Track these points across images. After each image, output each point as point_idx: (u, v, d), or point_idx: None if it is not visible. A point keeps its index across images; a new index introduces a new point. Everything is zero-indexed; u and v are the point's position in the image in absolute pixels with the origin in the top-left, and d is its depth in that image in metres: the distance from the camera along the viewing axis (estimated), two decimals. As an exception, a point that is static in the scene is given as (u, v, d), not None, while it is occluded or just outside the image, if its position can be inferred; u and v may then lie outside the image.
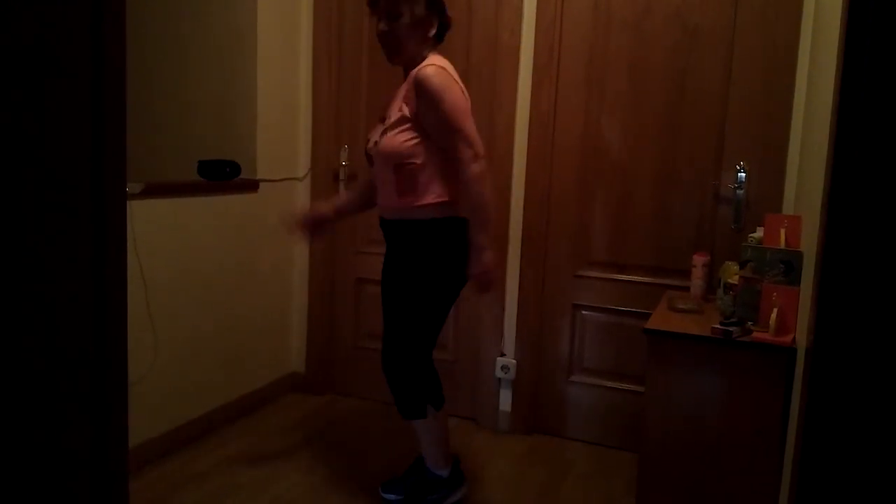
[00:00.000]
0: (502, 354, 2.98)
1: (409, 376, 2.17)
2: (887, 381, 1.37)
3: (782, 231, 2.08)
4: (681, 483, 2.03)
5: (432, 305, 2.14)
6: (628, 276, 2.79)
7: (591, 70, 2.77)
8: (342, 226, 3.21)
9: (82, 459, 0.77)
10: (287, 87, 3.11)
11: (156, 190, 2.46)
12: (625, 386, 2.82)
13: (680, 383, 2.01)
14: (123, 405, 0.82)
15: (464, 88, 2.09)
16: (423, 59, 2.09)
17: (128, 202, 1.14)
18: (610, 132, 2.77)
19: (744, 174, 2.55)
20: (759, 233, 2.19)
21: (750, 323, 2.01)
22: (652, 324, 2.10)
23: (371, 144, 2.17)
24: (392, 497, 2.33)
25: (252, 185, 2.95)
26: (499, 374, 2.97)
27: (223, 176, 2.81)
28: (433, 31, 2.12)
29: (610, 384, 2.85)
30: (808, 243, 1.87)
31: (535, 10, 2.78)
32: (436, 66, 2.02)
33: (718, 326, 1.98)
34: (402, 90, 2.09)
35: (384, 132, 2.10)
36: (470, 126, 2.03)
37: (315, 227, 2.38)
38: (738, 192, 2.56)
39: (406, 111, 2.05)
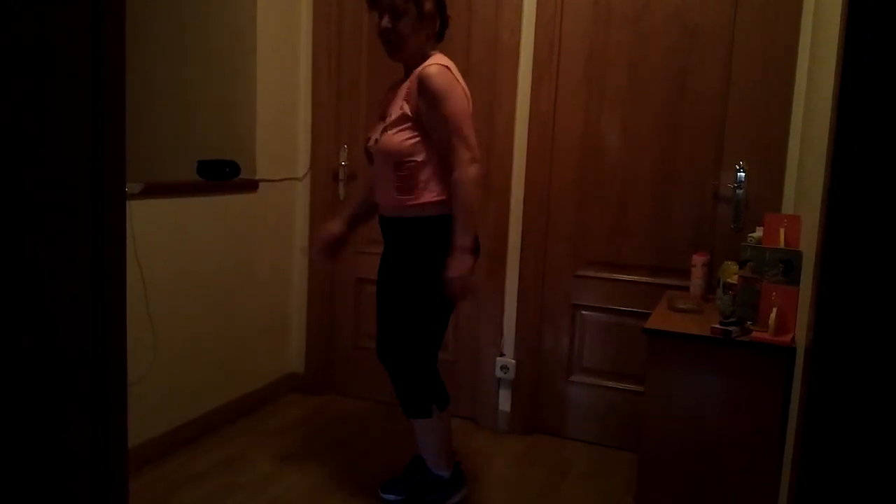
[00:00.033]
0: (502, 354, 2.98)
1: (416, 375, 2.16)
2: (887, 381, 1.37)
3: (782, 231, 2.08)
4: (680, 482, 2.03)
5: (437, 303, 2.13)
6: (628, 275, 2.79)
7: (591, 69, 2.77)
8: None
9: (82, 459, 0.77)
10: (286, 87, 3.11)
11: (155, 190, 2.46)
12: (624, 386, 2.82)
13: (679, 383, 2.02)
14: (123, 405, 0.82)
15: (466, 89, 2.08)
16: (426, 56, 2.08)
17: (127, 202, 1.14)
18: (610, 132, 2.77)
19: (743, 174, 2.55)
20: (759, 232, 2.19)
21: (749, 322, 2.01)
22: (651, 323, 2.10)
23: (371, 142, 2.17)
24: (392, 497, 2.33)
25: (251, 185, 2.95)
26: (498, 373, 2.97)
27: (222, 176, 2.81)
28: (435, 29, 2.12)
29: (609, 384, 2.85)
30: (808, 243, 1.87)
31: (534, 10, 2.78)
32: (440, 66, 2.02)
33: (718, 326, 1.98)
34: (404, 88, 2.08)
35: (384, 130, 2.10)
36: (469, 129, 2.03)
37: (333, 248, 2.36)
38: (737, 191, 2.56)
39: (407, 109, 2.04)
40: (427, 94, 2.00)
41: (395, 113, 2.08)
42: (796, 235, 2.07)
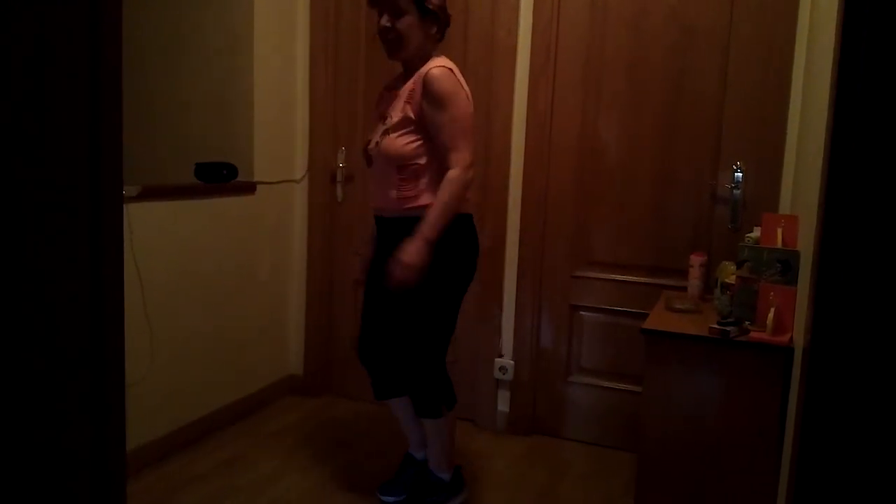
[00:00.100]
0: (500, 355, 2.98)
1: (428, 375, 2.15)
2: (885, 381, 1.37)
3: (779, 231, 2.09)
4: (679, 483, 2.03)
5: (447, 302, 2.13)
6: (626, 276, 2.80)
7: (588, 70, 2.78)
8: (339, 227, 3.22)
9: (82, 459, 0.77)
10: (284, 89, 3.11)
11: (153, 192, 2.46)
12: (623, 386, 2.82)
13: (678, 383, 2.02)
14: (121, 405, 0.82)
15: (468, 92, 2.08)
16: (428, 56, 2.07)
17: (125, 205, 1.14)
18: (607, 132, 2.78)
19: (741, 174, 2.56)
20: (756, 232, 2.19)
21: (747, 323, 2.01)
22: (649, 324, 2.10)
23: (372, 145, 2.15)
24: (391, 499, 2.33)
25: (249, 188, 2.95)
26: (497, 374, 2.97)
27: (220, 178, 2.81)
28: (436, 28, 2.10)
29: (608, 384, 2.86)
30: (805, 243, 1.87)
31: (531, 10, 2.78)
32: (445, 68, 2.01)
33: (716, 326, 1.98)
34: (406, 89, 2.07)
35: (386, 133, 2.09)
36: (470, 133, 2.03)
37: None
38: (734, 191, 2.57)
39: (409, 112, 2.03)
40: (430, 97, 1.99)
41: (396, 115, 2.06)
42: (794, 235, 2.07)
